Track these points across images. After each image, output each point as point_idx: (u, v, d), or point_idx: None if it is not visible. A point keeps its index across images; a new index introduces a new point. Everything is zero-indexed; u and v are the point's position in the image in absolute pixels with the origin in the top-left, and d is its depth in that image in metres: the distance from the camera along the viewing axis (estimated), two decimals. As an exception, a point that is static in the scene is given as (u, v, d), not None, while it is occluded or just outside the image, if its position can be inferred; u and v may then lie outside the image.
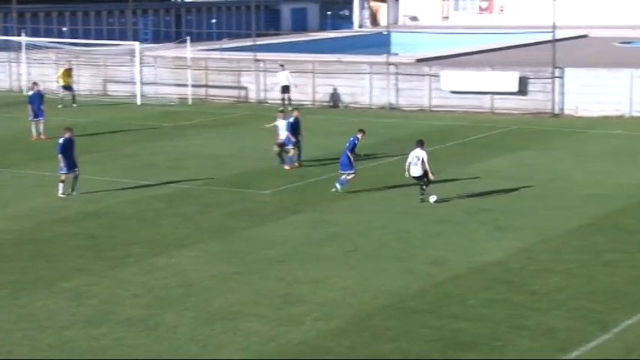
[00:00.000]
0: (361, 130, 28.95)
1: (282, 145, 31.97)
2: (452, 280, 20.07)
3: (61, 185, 27.98)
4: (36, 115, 38.77)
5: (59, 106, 48.35)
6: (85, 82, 52.30)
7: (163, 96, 50.20)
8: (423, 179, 26.51)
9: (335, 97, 47.30)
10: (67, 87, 49.19)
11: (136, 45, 51.50)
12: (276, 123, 32.32)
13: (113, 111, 47.23)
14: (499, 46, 55.98)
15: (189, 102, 48.67)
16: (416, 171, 26.50)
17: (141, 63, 50.29)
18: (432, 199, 26.25)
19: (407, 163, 26.69)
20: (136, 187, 29.24)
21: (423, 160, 26.30)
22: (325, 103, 47.36)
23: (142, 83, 50.06)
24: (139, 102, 49.28)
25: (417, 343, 16.65)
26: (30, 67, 53.79)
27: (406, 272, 20.65)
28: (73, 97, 49.12)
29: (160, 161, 33.51)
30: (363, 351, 16.39)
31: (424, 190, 26.54)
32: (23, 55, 53.65)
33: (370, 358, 16.12)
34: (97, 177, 30.66)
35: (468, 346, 16.49)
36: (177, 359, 16.27)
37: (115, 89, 52.81)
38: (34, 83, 41.35)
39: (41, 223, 25.39)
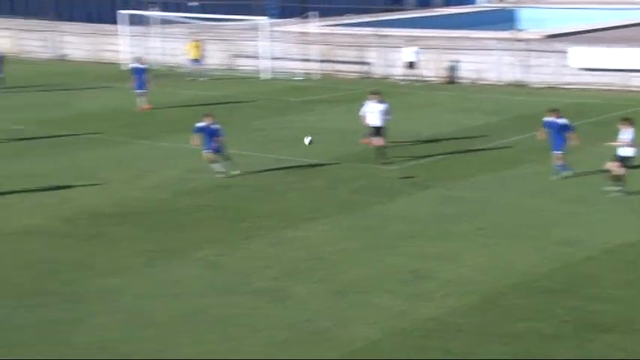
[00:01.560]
0: (554, 110, 26.86)
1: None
2: (586, 261, 19.71)
3: (214, 165, 27.91)
4: (139, 87, 40.03)
5: (187, 79, 49.34)
6: (213, 57, 53.10)
7: (289, 71, 50.53)
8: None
9: (453, 72, 46.83)
10: (196, 60, 50.13)
11: (264, 20, 52.03)
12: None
13: (241, 85, 47.83)
14: (633, 22, 54.38)
15: (315, 77, 48.91)
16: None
17: (267, 38, 50.77)
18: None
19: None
20: (265, 161, 29.56)
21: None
22: (449, 79, 47.01)
23: (269, 58, 50.54)
24: (265, 76, 49.81)
25: (550, 322, 16.43)
26: (163, 41, 54.93)
27: (538, 251, 20.37)
28: (201, 71, 50.01)
29: (288, 135, 33.80)
30: (495, 329, 16.26)
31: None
32: (154, 29, 54.83)
33: (503, 336, 15.99)
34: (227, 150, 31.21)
35: (604, 328, 16.18)
36: (310, 330, 16.46)
37: (242, 64, 53.49)
38: (139, 58, 42.54)
39: (176, 193, 26.00)
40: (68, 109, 40.30)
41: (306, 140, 22.58)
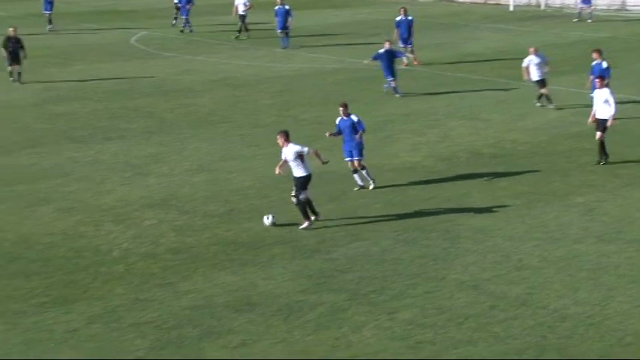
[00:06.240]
0: None
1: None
2: None
3: None
4: None
5: (574, 20, 48.01)
6: (604, -3, 51.24)
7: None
8: None
9: None
10: (586, 0, 48.77)
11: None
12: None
13: (631, 27, 45.68)
14: None
15: None
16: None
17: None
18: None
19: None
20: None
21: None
22: None
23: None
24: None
25: None
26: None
27: None
28: (589, 12, 48.47)
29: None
30: None
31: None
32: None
33: None
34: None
35: None
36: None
37: (634, 4, 51.03)
38: None
39: (555, 136, 25.47)
40: (451, 49, 40.74)
41: (267, 221, 18.75)
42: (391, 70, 30.23)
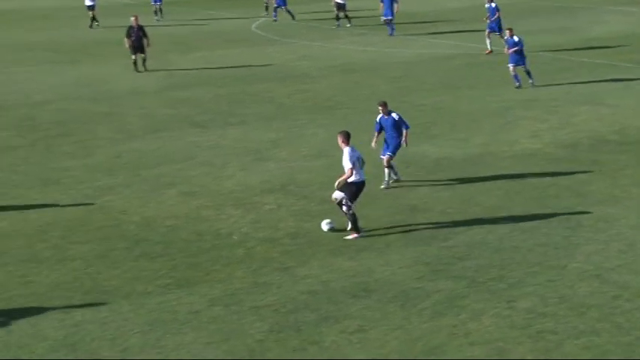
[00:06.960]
0: None
1: None
2: None
3: None
4: None
5: None
6: None
7: None
8: None
9: None
10: None
11: None
12: None
13: None
14: None
15: None
16: None
17: None
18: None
19: None
20: None
21: None
22: None
23: None
24: None
25: None
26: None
27: None
28: None
29: None
30: None
31: None
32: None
33: None
34: None
35: None
36: None
37: None
38: None
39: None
40: (575, 33, 39.90)
41: (325, 227, 17.66)
42: (521, 59, 29.82)
